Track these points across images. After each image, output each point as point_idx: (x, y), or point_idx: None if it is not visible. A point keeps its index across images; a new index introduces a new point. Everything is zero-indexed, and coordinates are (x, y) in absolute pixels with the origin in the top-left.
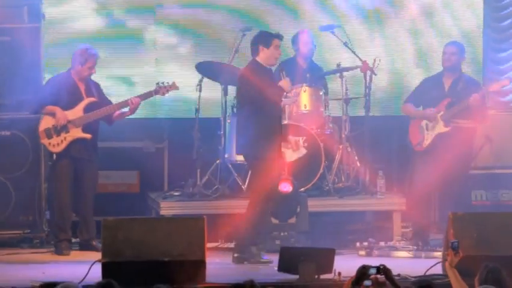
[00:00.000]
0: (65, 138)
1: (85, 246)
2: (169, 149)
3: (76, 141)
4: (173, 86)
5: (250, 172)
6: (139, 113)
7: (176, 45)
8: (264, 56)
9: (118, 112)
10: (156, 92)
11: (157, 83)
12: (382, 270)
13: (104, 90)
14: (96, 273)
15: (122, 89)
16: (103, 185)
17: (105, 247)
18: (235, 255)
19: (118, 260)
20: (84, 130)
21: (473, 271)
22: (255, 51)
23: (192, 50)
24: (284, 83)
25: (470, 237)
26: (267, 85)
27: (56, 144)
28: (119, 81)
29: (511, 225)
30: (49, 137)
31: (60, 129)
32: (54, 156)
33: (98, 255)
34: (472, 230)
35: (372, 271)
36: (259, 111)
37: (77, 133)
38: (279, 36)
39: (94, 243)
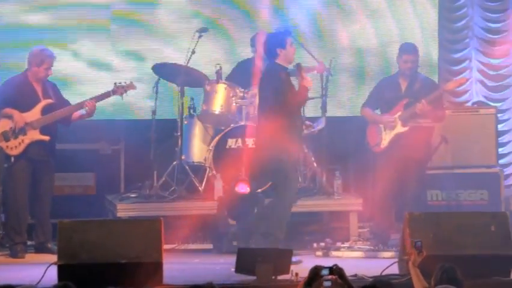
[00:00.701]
0: (22, 140)
1: (40, 249)
2: (125, 151)
3: (34, 144)
4: (131, 86)
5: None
6: (95, 115)
7: (132, 46)
8: (283, 57)
9: (76, 114)
10: (114, 92)
11: (115, 83)
12: (335, 270)
13: None
14: (52, 276)
15: None
16: (59, 187)
17: (61, 249)
18: None
19: (74, 263)
20: (42, 132)
21: (428, 271)
22: (273, 55)
23: (148, 51)
24: (307, 81)
25: (426, 237)
26: (291, 88)
27: (14, 147)
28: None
29: (466, 225)
30: (7, 139)
31: (18, 132)
32: (12, 159)
33: (53, 258)
34: (428, 230)
35: (325, 272)
36: (283, 114)
37: (35, 135)
38: (290, 33)
39: (50, 245)
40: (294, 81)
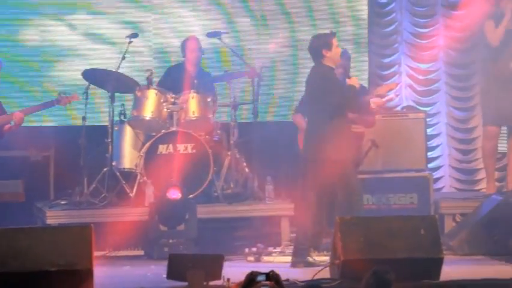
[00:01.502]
0: None
1: None
2: (55, 157)
3: None
4: (74, 97)
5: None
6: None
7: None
8: (329, 58)
9: (6, 126)
10: (58, 101)
11: (59, 93)
12: (272, 276)
13: None
14: None
15: None
16: None
17: None
18: (293, 259)
19: (3, 271)
20: None
21: (359, 275)
22: (319, 56)
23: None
24: (354, 80)
25: (356, 241)
26: (340, 87)
27: None
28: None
29: (396, 229)
30: None
31: None
32: None
33: None
34: (359, 234)
35: (261, 278)
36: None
37: None
38: (334, 34)
39: None
40: None
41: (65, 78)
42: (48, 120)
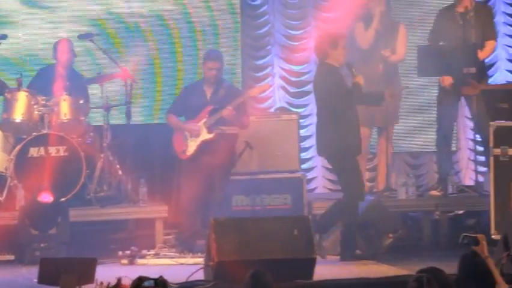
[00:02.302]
0: None
1: None
2: None
3: None
4: None
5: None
6: None
7: None
8: (334, 57)
9: None
10: None
11: None
12: (160, 282)
13: None
14: None
15: None
16: None
17: None
18: None
19: None
20: None
21: (234, 276)
22: (323, 55)
23: None
24: (359, 78)
25: (231, 243)
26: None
27: None
28: None
29: (271, 230)
30: None
31: None
32: None
33: None
34: (234, 235)
35: (149, 283)
36: (339, 113)
37: None
38: (343, 36)
39: None
40: None
41: None
42: None
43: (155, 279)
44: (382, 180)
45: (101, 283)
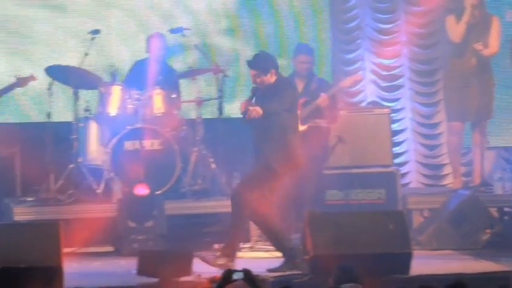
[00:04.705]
0: None
1: None
2: (21, 154)
3: None
4: (31, 77)
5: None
6: None
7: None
8: None
9: None
10: (17, 84)
11: (16, 76)
12: (247, 274)
13: None
14: None
15: None
16: None
17: None
18: None
19: None
20: None
21: (329, 270)
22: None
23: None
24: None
25: (325, 236)
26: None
27: None
28: None
29: (365, 224)
30: None
31: None
32: None
33: None
34: (328, 229)
35: (238, 275)
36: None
37: None
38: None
39: None
40: None
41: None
42: (12, 116)
43: (242, 271)
44: (478, 175)
45: (199, 275)
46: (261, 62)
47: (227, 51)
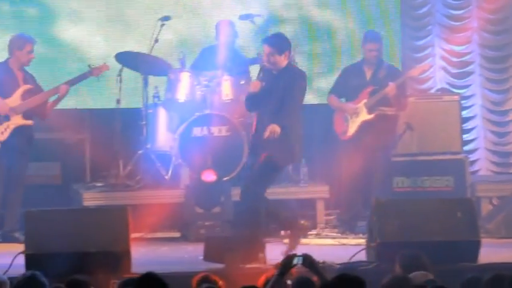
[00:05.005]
0: (8, 126)
1: (6, 238)
2: (91, 140)
3: (17, 129)
4: (104, 67)
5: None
6: (59, 104)
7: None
8: None
9: (50, 103)
10: (90, 73)
11: (89, 65)
12: (307, 259)
13: None
14: (20, 265)
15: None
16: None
17: (28, 239)
18: None
19: (42, 252)
20: (24, 117)
21: (395, 257)
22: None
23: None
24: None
25: (392, 224)
26: None
27: (0, 133)
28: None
29: (433, 212)
30: None
31: (2, 118)
32: None
33: (20, 247)
34: (395, 216)
35: (297, 260)
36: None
37: (19, 120)
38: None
39: (17, 235)
40: None
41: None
42: (82, 103)
43: (302, 256)
44: None
45: (265, 261)
46: (278, 41)
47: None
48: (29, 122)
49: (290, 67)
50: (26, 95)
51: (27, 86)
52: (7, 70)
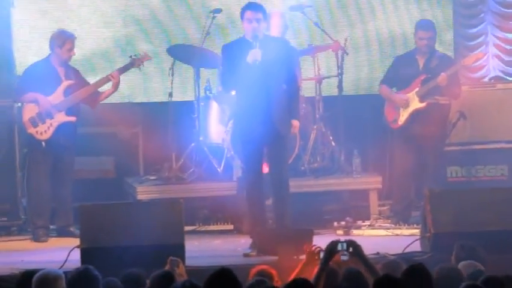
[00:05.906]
0: (51, 124)
1: (62, 233)
2: (143, 134)
3: (61, 126)
4: (146, 56)
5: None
6: (112, 98)
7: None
8: None
9: (104, 94)
10: (132, 64)
11: (130, 56)
12: (350, 245)
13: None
14: (75, 260)
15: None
16: (78, 171)
17: (83, 233)
18: None
19: (96, 246)
20: (67, 114)
21: (449, 248)
22: None
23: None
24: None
25: (446, 214)
26: None
27: (44, 132)
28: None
29: (487, 201)
30: (35, 125)
31: (45, 116)
32: (43, 143)
33: (76, 242)
34: (449, 206)
35: (341, 246)
36: None
37: (62, 117)
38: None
39: (72, 229)
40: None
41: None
42: (135, 96)
43: (345, 242)
44: None
45: (318, 253)
46: (264, 9)
47: (346, 29)
48: (72, 118)
49: (282, 40)
50: (68, 90)
51: (69, 82)
52: (48, 67)
